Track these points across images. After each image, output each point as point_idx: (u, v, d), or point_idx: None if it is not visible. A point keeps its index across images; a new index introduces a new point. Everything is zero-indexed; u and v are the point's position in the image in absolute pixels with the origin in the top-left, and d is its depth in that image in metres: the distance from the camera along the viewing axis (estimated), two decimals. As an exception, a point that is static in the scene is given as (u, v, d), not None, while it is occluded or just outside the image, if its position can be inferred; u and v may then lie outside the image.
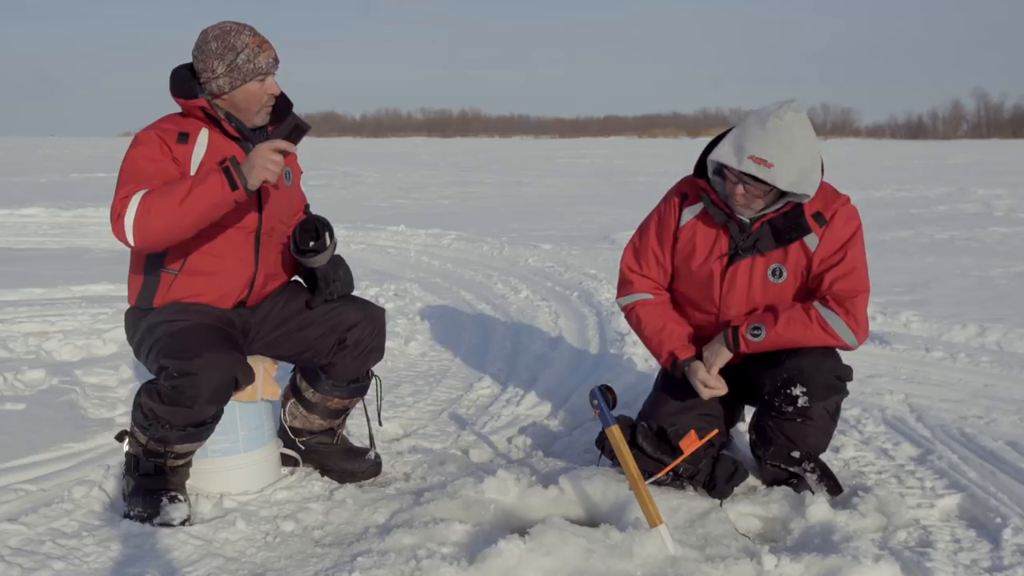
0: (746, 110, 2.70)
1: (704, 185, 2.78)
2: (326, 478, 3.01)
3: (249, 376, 2.66)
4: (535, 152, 48.66)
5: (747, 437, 2.99)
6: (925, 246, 8.99)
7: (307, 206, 3.08)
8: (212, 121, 2.67)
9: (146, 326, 2.68)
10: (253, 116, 2.70)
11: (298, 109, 2.77)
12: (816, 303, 2.68)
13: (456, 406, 3.86)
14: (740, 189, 2.63)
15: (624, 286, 3.03)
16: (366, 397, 3.08)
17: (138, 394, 2.63)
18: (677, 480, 2.80)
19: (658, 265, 2.95)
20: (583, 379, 4.24)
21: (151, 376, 2.67)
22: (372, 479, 3.02)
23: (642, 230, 3.00)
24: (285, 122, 2.57)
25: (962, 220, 11.46)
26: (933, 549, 2.45)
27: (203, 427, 2.63)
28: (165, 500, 2.62)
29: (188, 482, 2.75)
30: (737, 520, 2.65)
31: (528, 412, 3.76)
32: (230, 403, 2.68)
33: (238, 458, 2.86)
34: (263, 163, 2.48)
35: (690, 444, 2.57)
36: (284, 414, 3.05)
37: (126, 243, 2.53)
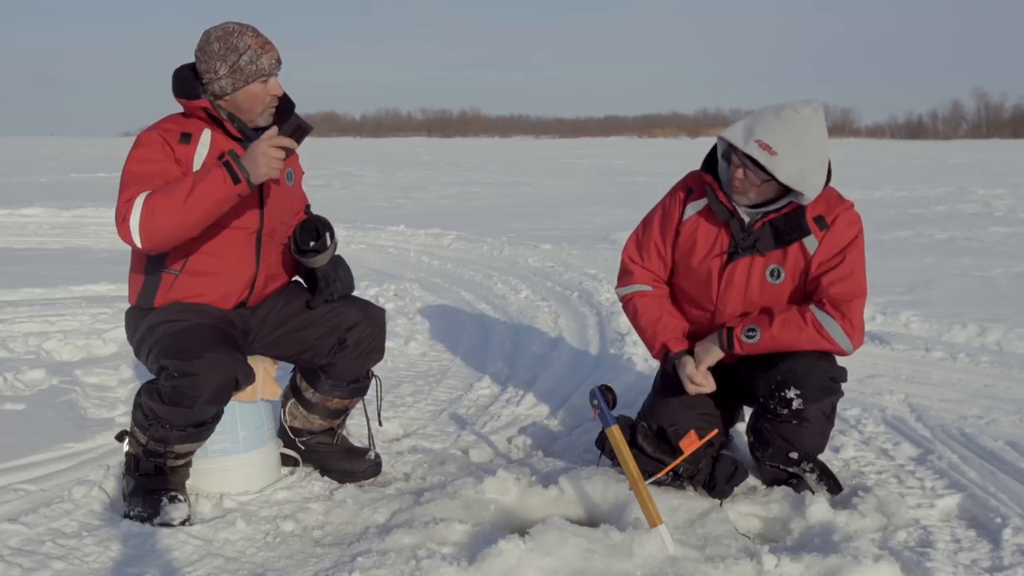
0: (746, 110, 2.70)
1: (710, 180, 2.77)
2: (326, 478, 3.01)
3: (249, 376, 2.66)
4: (535, 152, 48.66)
5: (746, 437, 2.99)
6: (925, 246, 8.99)
7: (308, 206, 3.08)
8: (214, 122, 2.67)
9: (146, 326, 2.68)
10: (256, 117, 2.70)
11: (298, 109, 2.77)
12: (812, 306, 2.67)
13: (456, 406, 3.86)
14: (740, 173, 2.63)
15: (624, 276, 3.03)
16: (366, 397, 3.08)
17: (138, 394, 2.63)
18: (677, 480, 2.80)
19: (659, 258, 2.95)
20: (583, 379, 4.24)
21: (151, 376, 2.67)
22: (372, 479, 3.02)
23: (646, 222, 3.00)
24: (287, 123, 2.58)
25: (962, 220, 11.46)
26: (933, 549, 2.45)
27: (203, 427, 2.63)
28: (165, 500, 2.62)
29: (188, 482, 2.75)
30: (737, 520, 2.65)
31: (528, 412, 3.76)
32: (230, 403, 2.68)
33: (238, 458, 2.86)
34: (267, 160, 2.48)
35: (690, 444, 2.57)
36: (284, 414, 3.05)
37: (133, 245, 2.53)
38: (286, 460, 3.05)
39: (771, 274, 2.76)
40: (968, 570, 2.35)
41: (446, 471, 3.05)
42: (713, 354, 2.78)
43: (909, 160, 33.72)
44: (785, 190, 2.65)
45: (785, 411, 2.70)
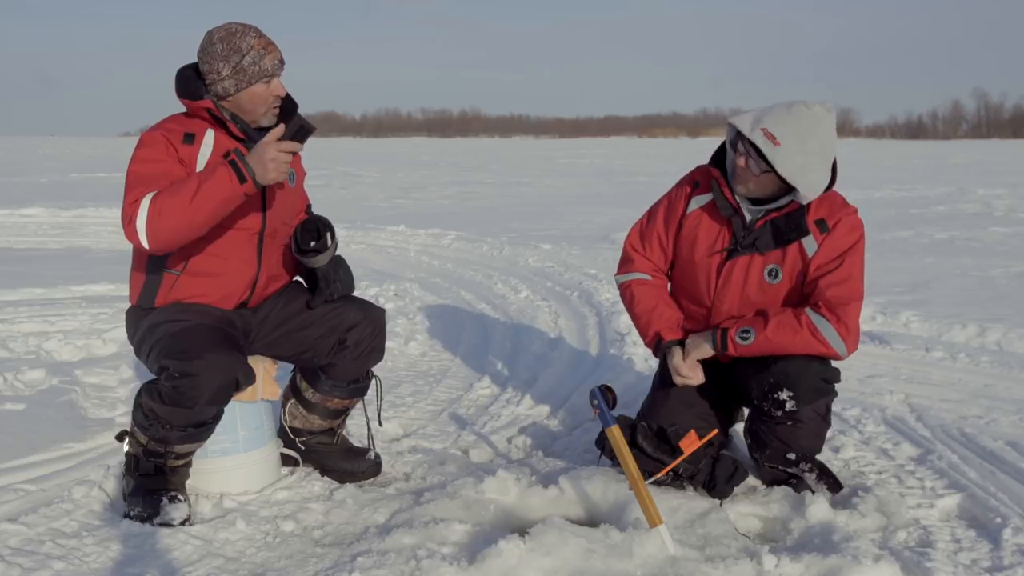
0: (746, 110, 2.70)
1: (717, 175, 2.77)
2: (326, 478, 3.01)
3: (250, 377, 2.66)
4: (535, 152, 48.66)
5: (745, 439, 2.99)
6: (925, 246, 8.99)
7: (308, 206, 3.08)
8: (218, 122, 2.67)
9: (147, 325, 2.68)
10: (259, 117, 2.70)
11: (299, 110, 2.77)
12: (807, 309, 2.66)
13: (456, 406, 3.86)
14: (742, 161, 2.63)
15: (625, 263, 3.04)
16: (366, 397, 3.08)
17: (138, 394, 2.63)
18: (677, 480, 2.80)
19: (661, 249, 2.96)
20: (583, 379, 4.24)
21: (151, 376, 2.67)
22: (372, 479, 3.02)
23: (651, 212, 3.01)
24: (290, 124, 2.58)
25: (962, 220, 11.46)
26: (933, 549, 2.44)
27: (203, 427, 2.63)
28: (165, 500, 2.62)
29: (188, 482, 2.75)
30: (737, 520, 2.65)
31: (528, 412, 3.76)
32: (230, 403, 2.68)
33: (238, 458, 2.86)
34: (276, 165, 2.49)
35: (690, 444, 2.57)
36: (284, 414, 3.05)
37: (140, 246, 2.53)
38: (286, 460, 3.05)
39: (769, 274, 2.76)
40: (968, 570, 2.35)
41: (446, 471, 3.05)
42: (702, 349, 2.78)
43: (909, 160, 33.72)
44: (786, 188, 2.65)
45: (779, 413, 2.70)
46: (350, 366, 2.90)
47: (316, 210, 3.04)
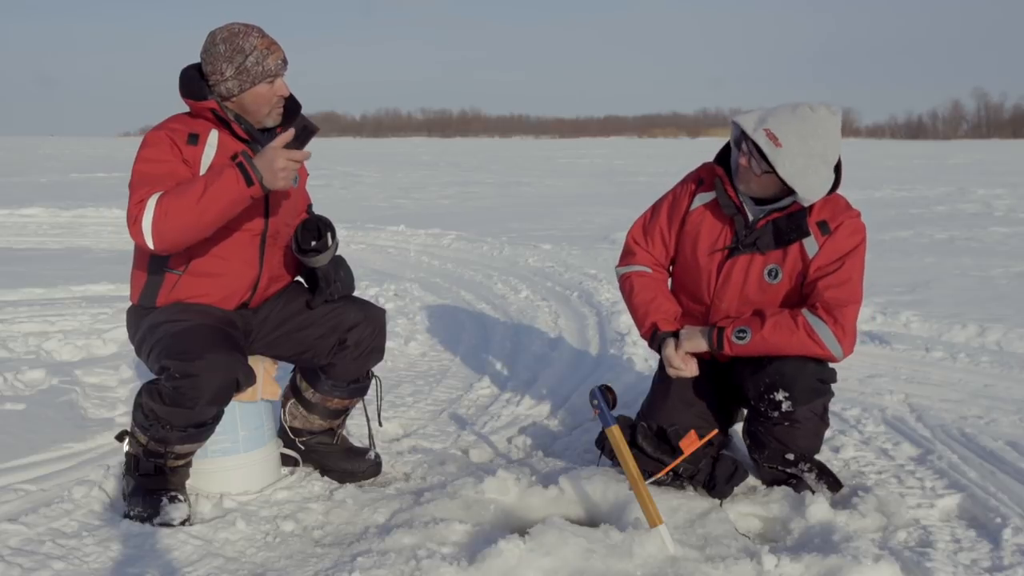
0: (746, 110, 2.70)
1: (721, 173, 2.78)
2: (326, 478, 3.01)
3: (250, 378, 2.66)
4: (535, 152, 48.65)
5: (743, 440, 2.99)
6: (925, 246, 8.99)
7: (310, 206, 3.08)
8: (222, 123, 2.67)
9: (148, 325, 2.68)
10: (263, 118, 2.70)
11: (301, 110, 2.78)
12: (804, 310, 2.66)
13: (456, 406, 3.86)
14: (743, 160, 2.64)
15: (626, 256, 3.05)
16: (366, 397, 3.08)
17: (139, 394, 2.63)
18: (677, 480, 2.80)
19: (663, 244, 2.96)
20: (583, 379, 4.24)
21: (151, 376, 2.67)
22: (372, 479, 3.02)
23: (655, 206, 3.01)
24: (294, 124, 2.58)
25: (962, 220, 11.46)
26: (933, 549, 2.45)
27: (204, 428, 2.63)
28: (165, 500, 2.62)
29: (188, 482, 2.75)
30: (737, 520, 2.65)
31: (528, 412, 3.76)
32: (230, 403, 2.68)
33: (238, 458, 2.86)
34: (286, 174, 2.50)
35: (690, 444, 2.57)
36: (284, 414, 3.05)
37: (145, 247, 2.52)
38: (286, 460, 3.05)
39: (769, 274, 2.76)
40: (968, 570, 2.35)
41: (446, 471, 3.05)
42: (695, 341, 2.79)
43: (909, 160, 33.72)
44: (788, 189, 2.64)
45: (775, 413, 2.70)
46: (350, 366, 2.90)
47: (316, 210, 3.04)
